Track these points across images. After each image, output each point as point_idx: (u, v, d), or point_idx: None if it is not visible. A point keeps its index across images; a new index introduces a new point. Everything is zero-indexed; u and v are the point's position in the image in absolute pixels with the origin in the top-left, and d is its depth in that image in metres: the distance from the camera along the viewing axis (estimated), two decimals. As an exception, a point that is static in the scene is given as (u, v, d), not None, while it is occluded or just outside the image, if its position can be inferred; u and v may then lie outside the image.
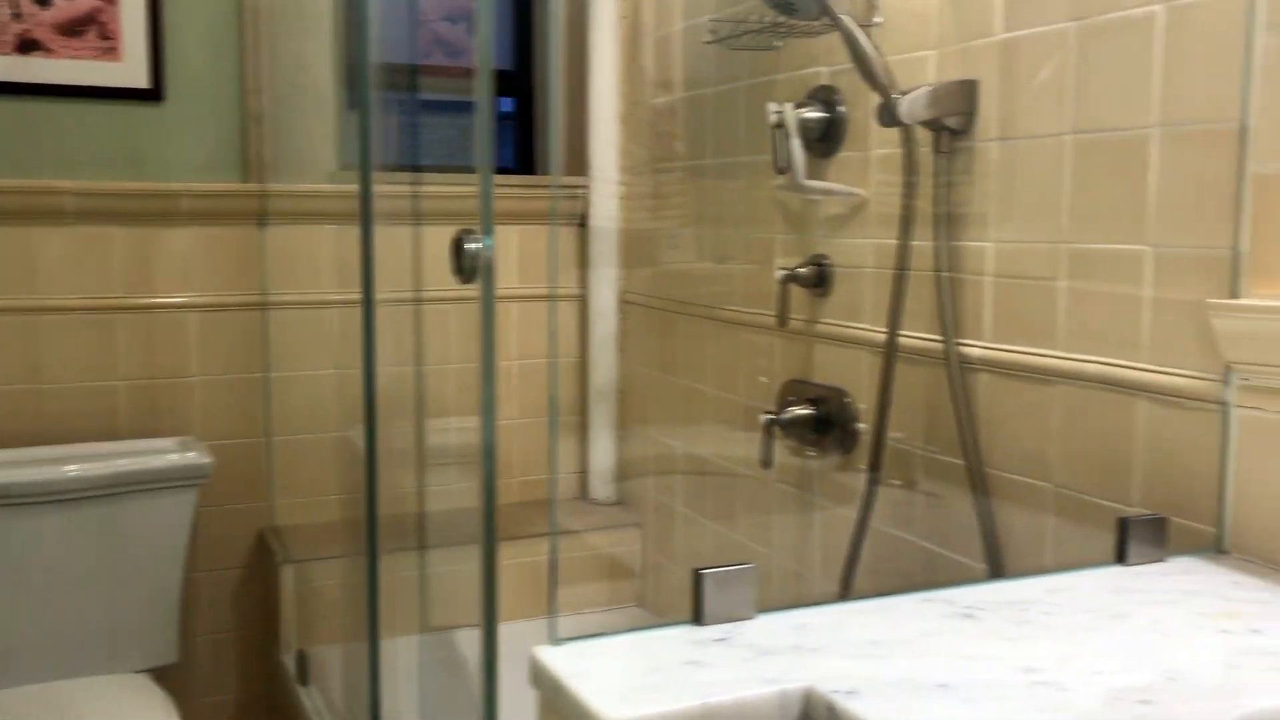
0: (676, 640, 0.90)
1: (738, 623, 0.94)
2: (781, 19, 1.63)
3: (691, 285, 2.08)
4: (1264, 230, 1.09)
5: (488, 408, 1.15)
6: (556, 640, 0.89)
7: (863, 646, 0.89)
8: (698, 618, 0.93)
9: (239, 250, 2.15)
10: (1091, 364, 1.27)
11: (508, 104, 2.50)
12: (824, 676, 0.83)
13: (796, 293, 1.75)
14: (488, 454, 1.14)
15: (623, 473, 2.33)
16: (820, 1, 1.51)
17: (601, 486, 2.34)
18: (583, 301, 2.35)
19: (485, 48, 1.17)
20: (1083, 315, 1.29)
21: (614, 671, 0.85)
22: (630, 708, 0.78)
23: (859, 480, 1.61)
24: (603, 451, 2.33)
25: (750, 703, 0.81)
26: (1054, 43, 1.31)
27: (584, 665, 0.85)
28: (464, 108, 1.36)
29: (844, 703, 0.79)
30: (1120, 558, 1.11)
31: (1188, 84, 1.16)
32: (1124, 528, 1.11)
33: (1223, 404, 1.13)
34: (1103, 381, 1.26)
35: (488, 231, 1.11)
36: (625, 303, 2.29)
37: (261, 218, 2.16)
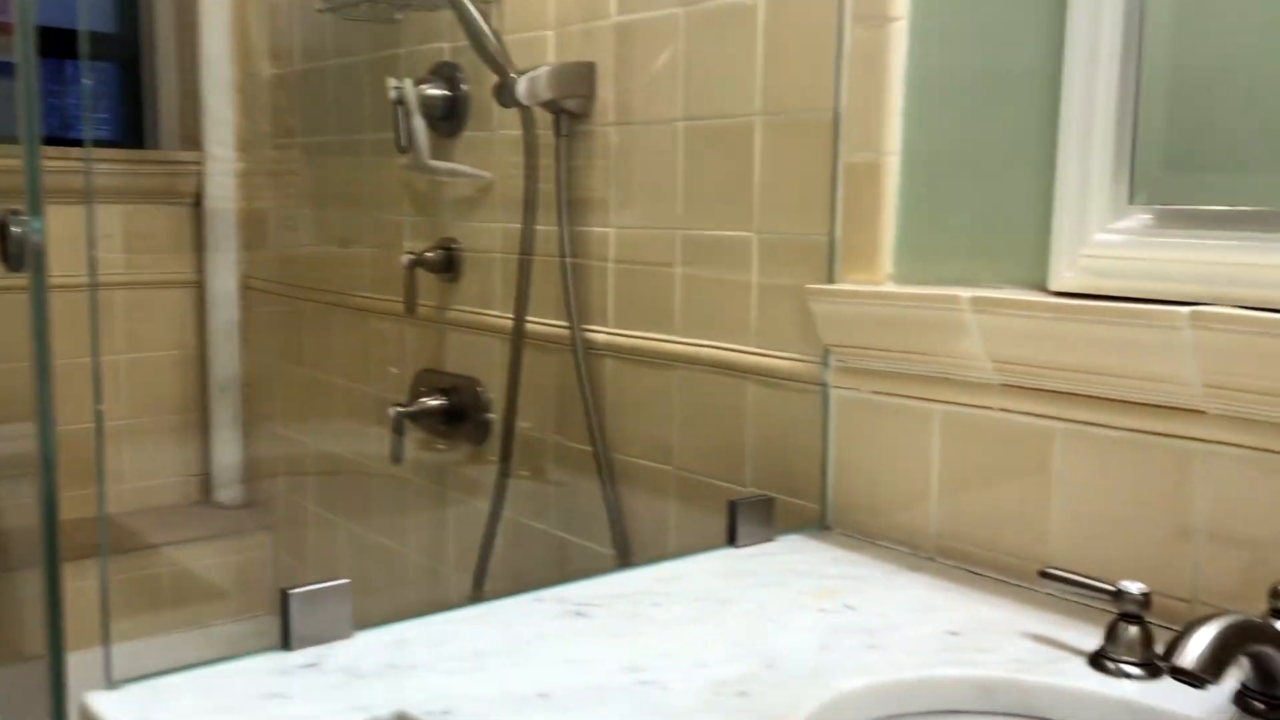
0: (259, 670, 0.81)
1: (331, 644, 0.86)
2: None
3: (317, 270, 1.96)
4: (854, 217, 1.13)
5: (44, 411, 1.00)
6: (112, 683, 0.78)
7: (464, 659, 0.84)
8: (285, 643, 0.85)
9: None
10: (706, 348, 1.29)
11: (110, 70, 2.26)
12: (418, 698, 0.77)
13: (425, 278, 1.68)
14: (46, 465, 1.00)
15: (250, 473, 2.16)
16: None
17: (226, 489, 2.17)
18: (199, 288, 2.16)
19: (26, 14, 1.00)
20: (698, 301, 1.30)
21: (179, 711, 0.75)
22: (190, 759, 0.69)
23: (491, 472, 1.56)
24: (226, 451, 2.16)
25: (333, 736, 0.73)
26: (666, 28, 1.31)
27: (143, 712, 0.75)
28: (6, 69, 1.19)
29: (438, 725, 0.73)
30: (731, 540, 1.12)
31: (787, 74, 1.19)
32: (734, 510, 1.12)
33: (823, 385, 1.17)
34: (716, 365, 1.27)
35: (36, 212, 0.96)
36: (247, 289, 2.13)
37: None
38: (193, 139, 2.13)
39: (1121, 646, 0.83)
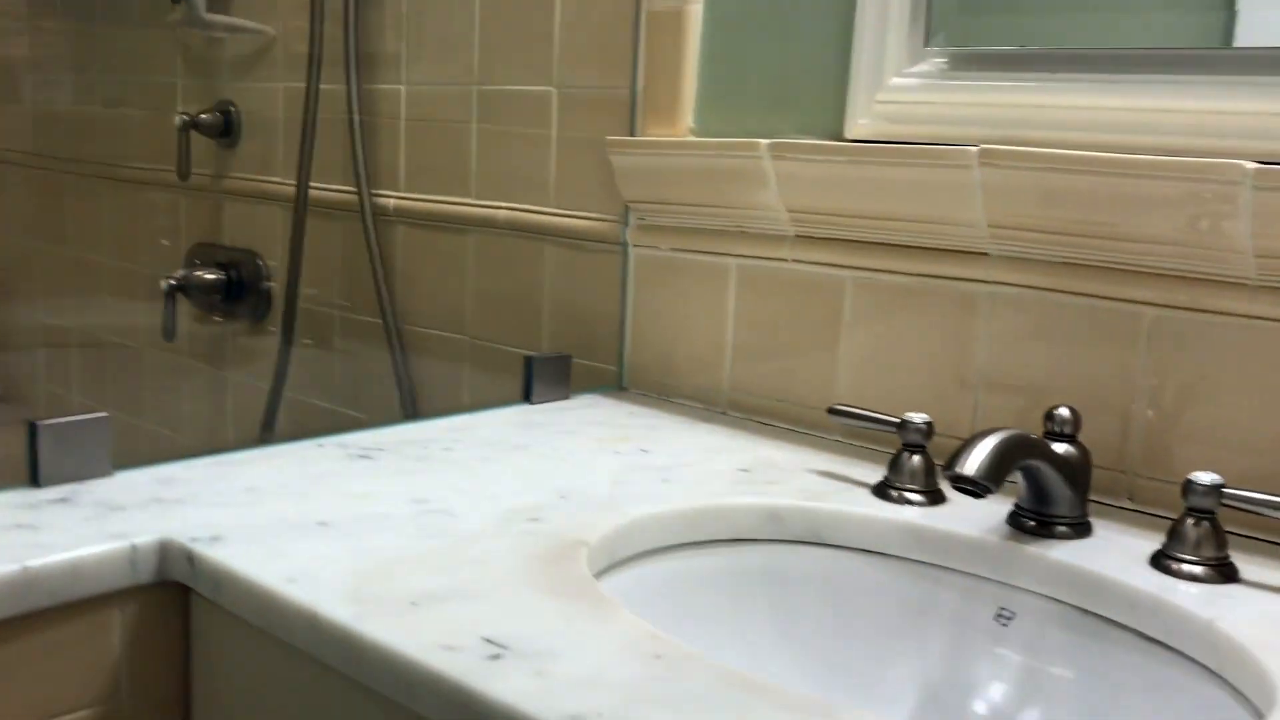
0: (2, 505, 0.74)
1: (87, 481, 0.79)
2: None
3: (78, 137, 1.80)
4: (659, 69, 1.11)
5: None
6: None
7: (238, 495, 0.78)
8: (34, 479, 0.77)
9: None
10: (503, 210, 1.25)
11: None
12: (185, 526, 0.71)
13: (200, 143, 1.57)
14: None
15: (3, 362, 1.99)
16: None
17: (-24, 378, 1.99)
18: (-59, 158, 1.95)
19: None
20: (494, 160, 1.26)
21: (-97, 545, 0.67)
22: (-85, 583, 0.62)
23: (273, 345, 1.48)
24: (-24, 337, 1.98)
25: (88, 562, 0.67)
26: None
27: None
28: None
29: (205, 550, 0.68)
30: (527, 397, 1.09)
31: (590, -81, 1.15)
32: (529, 367, 1.09)
33: (622, 244, 1.15)
34: (514, 228, 1.24)
35: None
36: (-1, 161, 1.94)
37: None
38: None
39: (905, 475, 0.85)
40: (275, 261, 1.50)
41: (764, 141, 0.99)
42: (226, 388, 1.59)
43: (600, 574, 0.72)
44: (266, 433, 1.45)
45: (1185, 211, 0.78)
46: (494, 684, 0.53)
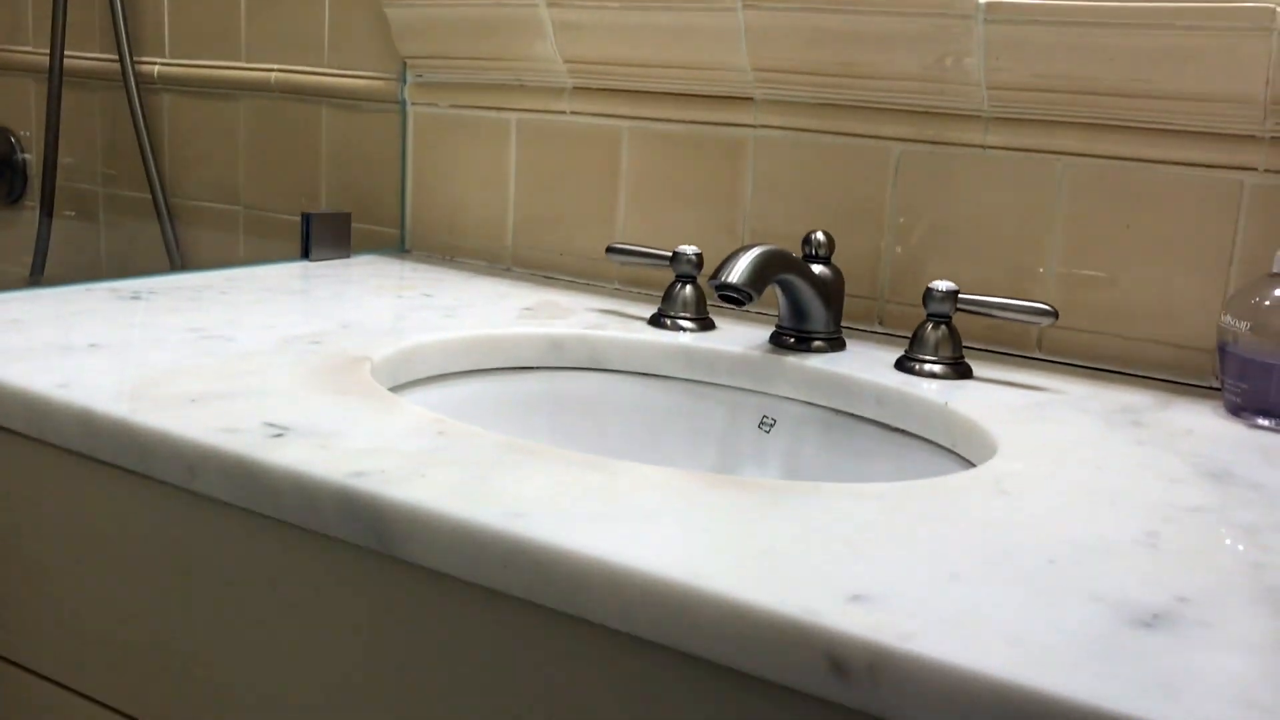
0: None
1: None
2: None
3: None
4: (433, -75, 1.10)
5: None
6: None
7: (3, 326, 0.75)
8: None
9: None
10: (275, 72, 1.22)
11: None
12: (-59, 349, 0.69)
13: (-63, 10, 1.45)
14: None
15: None
16: None
17: None
18: None
19: None
20: (265, 20, 1.22)
21: None
22: None
23: (31, 222, 1.40)
24: None
25: None
26: None
27: None
28: None
29: (-35, 369, 0.66)
30: (305, 254, 1.08)
31: None
32: (307, 223, 1.08)
33: (400, 103, 1.14)
34: (287, 90, 1.21)
35: None
36: None
37: None
38: None
39: (678, 304, 0.90)
40: (30, 133, 1.42)
41: (539, -8, 1.00)
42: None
43: (397, 388, 0.74)
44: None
45: (928, 48, 0.84)
46: (276, 453, 0.55)
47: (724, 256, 0.77)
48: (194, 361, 0.70)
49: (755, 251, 0.77)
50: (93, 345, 0.72)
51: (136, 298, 0.87)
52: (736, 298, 0.76)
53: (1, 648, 0.69)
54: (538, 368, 0.86)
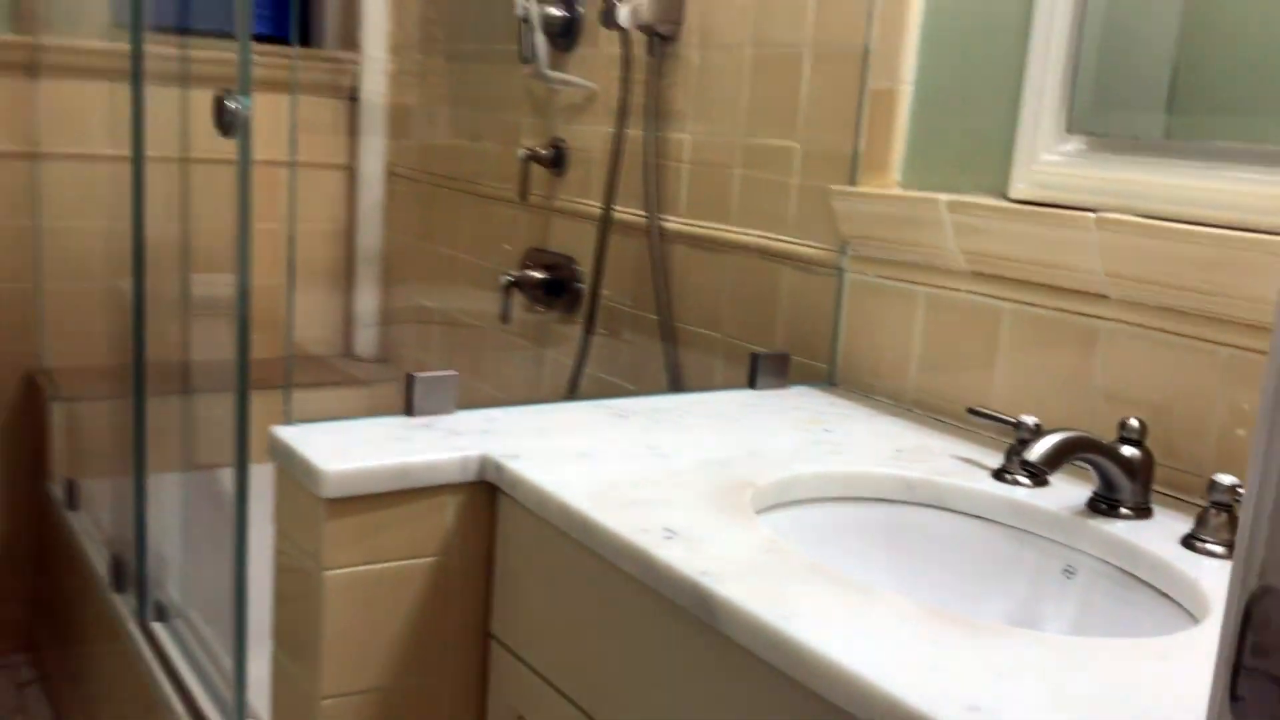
0: (389, 425, 1.15)
1: (441, 415, 1.19)
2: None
3: (449, 160, 2.29)
4: (876, 134, 1.40)
5: (242, 252, 1.35)
6: (290, 420, 1.12)
7: (533, 432, 1.16)
8: (409, 411, 1.18)
9: (8, 101, 2.21)
10: (753, 237, 1.58)
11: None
12: (498, 449, 1.10)
13: (537, 171, 1.99)
14: (241, 297, 1.35)
15: (384, 331, 2.54)
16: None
17: (364, 344, 2.55)
18: (351, 172, 2.52)
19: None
20: (750, 197, 1.59)
21: (335, 442, 1.09)
22: (342, 464, 1.03)
23: (577, 332, 1.88)
24: (366, 312, 2.53)
25: (438, 463, 1.07)
26: (743, -31, 1.58)
27: (309, 439, 1.09)
28: None
29: (508, 463, 1.06)
30: (751, 384, 1.42)
31: (831, 14, 1.45)
32: (754, 361, 1.42)
33: (839, 270, 1.45)
34: (760, 251, 1.56)
35: (245, 92, 1.30)
36: (391, 174, 2.48)
37: (32, 70, 2.22)
38: (352, 41, 2.48)
39: (1016, 464, 1.11)
40: (585, 267, 1.91)
41: (943, 198, 1.26)
42: (544, 362, 2.02)
43: (761, 510, 1.04)
44: (570, 396, 1.86)
45: (1265, 276, 1.00)
46: (661, 551, 0.87)
47: (1064, 427, 0.98)
48: (640, 475, 1.05)
49: (1059, 437, 0.98)
50: (582, 454, 1.10)
51: (622, 416, 1.25)
52: (1035, 472, 0.98)
53: (519, 649, 1.09)
54: (891, 500, 1.12)
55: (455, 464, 1.08)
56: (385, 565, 1.07)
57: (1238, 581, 0.44)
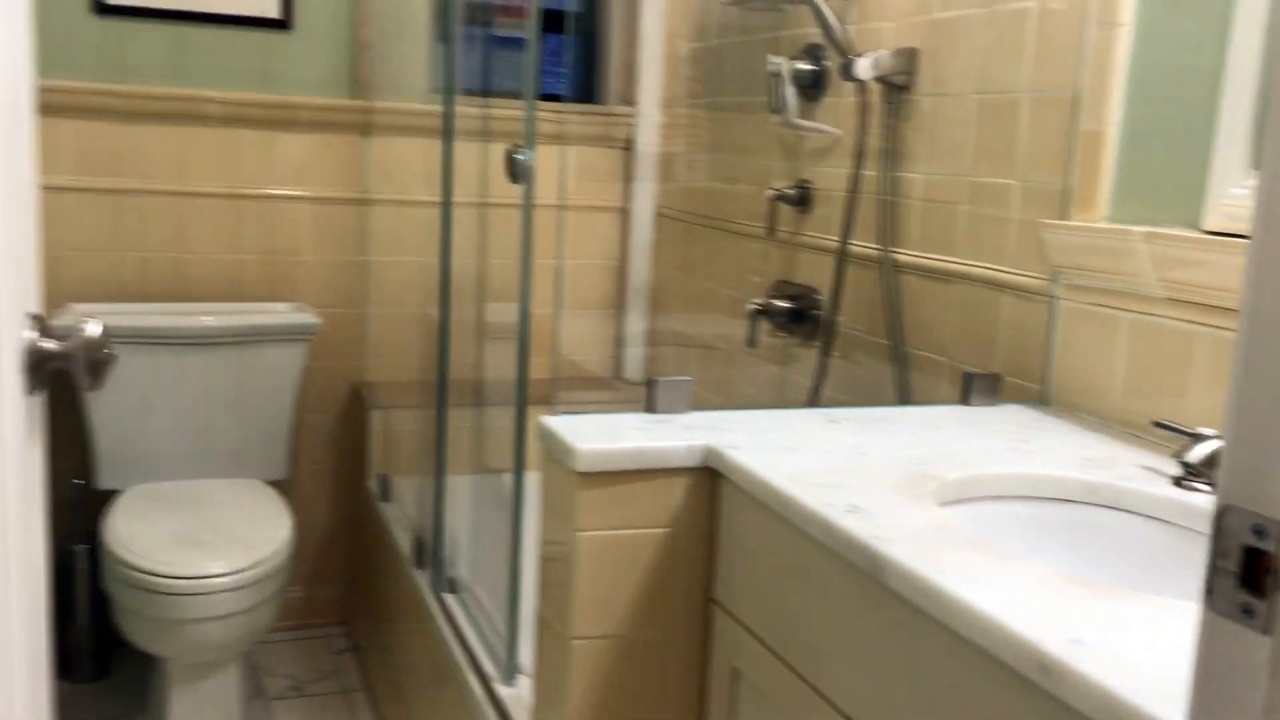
0: (634, 420, 1.38)
1: (676, 414, 1.41)
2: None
3: (707, 201, 2.53)
4: (1085, 171, 1.51)
5: (525, 285, 1.62)
6: (555, 412, 1.37)
7: (754, 430, 1.36)
8: (650, 408, 1.41)
9: (346, 155, 2.65)
10: (977, 268, 1.71)
11: (572, 40, 2.94)
12: (721, 441, 1.30)
13: (784, 209, 2.20)
14: (523, 318, 1.62)
15: (649, 354, 2.80)
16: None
17: (632, 366, 2.82)
18: (624, 213, 2.81)
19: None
20: (973, 231, 1.72)
21: (588, 430, 1.33)
22: (591, 445, 1.27)
23: (815, 356, 2.06)
24: (636, 336, 2.81)
25: (669, 450, 1.28)
26: (969, 23, 1.72)
27: (570, 426, 1.33)
28: (516, 43, 1.78)
29: (729, 452, 1.26)
30: (964, 400, 1.56)
31: (1046, 62, 1.58)
32: (967, 379, 1.55)
33: (1051, 297, 1.56)
34: (983, 281, 1.70)
35: (530, 145, 1.58)
36: (659, 215, 2.75)
37: (365, 129, 2.64)
38: (628, 97, 2.77)
39: (1193, 471, 1.20)
40: (825, 296, 2.09)
41: (1141, 229, 1.37)
42: (784, 381, 2.21)
43: (944, 503, 1.19)
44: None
45: None
46: (842, 520, 1.05)
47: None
48: (839, 465, 1.23)
49: (1218, 443, 1.08)
50: (790, 448, 1.29)
51: (834, 422, 1.43)
52: (1196, 472, 1.08)
53: (736, 612, 1.28)
54: (1071, 500, 1.24)
55: (683, 451, 1.29)
56: (626, 532, 1.29)
57: (1215, 505, 0.58)
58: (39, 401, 0.96)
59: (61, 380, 1.03)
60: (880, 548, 0.99)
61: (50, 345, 0.93)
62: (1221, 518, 0.58)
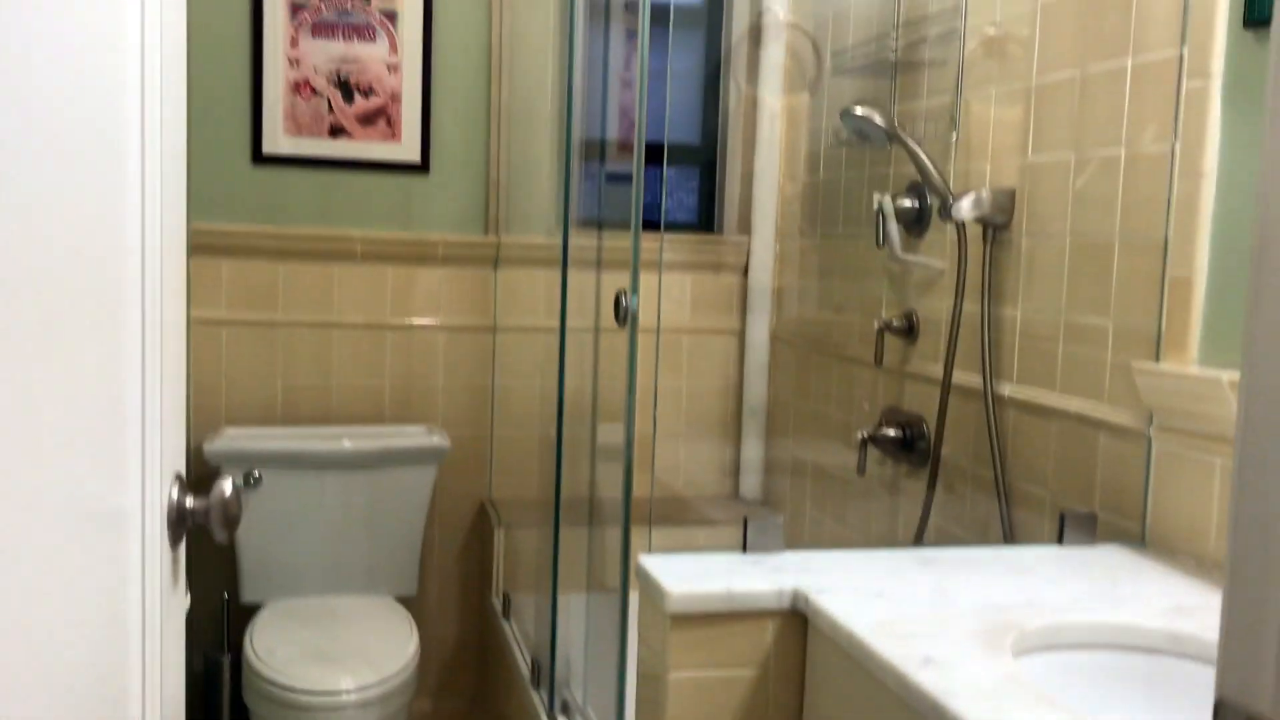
0: (727, 560, 1.44)
1: (769, 554, 1.47)
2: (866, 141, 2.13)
3: (819, 328, 2.60)
4: (1175, 316, 1.53)
5: (629, 411, 1.72)
6: (651, 552, 1.45)
7: (844, 573, 1.41)
8: (744, 548, 1.47)
9: (478, 287, 2.81)
10: (1074, 405, 1.73)
11: (693, 172, 3.07)
12: (810, 584, 1.35)
13: (891, 339, 2.25)
14: (628, 444, 1.71)
15: (766, 476, 2.86)
16: (888, 132, 2.01)
17: (749, 487, 2.88)
18: (740, 337, 2.89)
19: (640, 142, 1.71)
20: (1070, 368, 1.75)
21: (682, 570, 1.39)
22: (683, 586, 1.33)
23: (922, 486, 2.09)
24: (751, 458, 2.87)
25: (758, 592, 1.34)
26: (1064, 168, 1.77)
27: (665, 566, 1.41)
28: (627, 177, 1.87)
29: (814, 596, 1.31)
30: (1059, 540, 1.57)
31: (1136, 208, 1.61)
32: (1062, 519, 1.57)
33: (1146, 437, 1.57)
34: (1079, 418, 1.71)
35: (634, 290, 1.68)
36: (773, 339, 2.83)
37: (495, 262, 2.81)
38: (745, 226, 2.88)
39: (1283, 626, 1.20)
40: (930, 426, 2.12)
41: (1227, 375, 1.38)
42: (894, 512, 2.23)
43: (1022, 652, 1.21)
44: (916, 543, 2.06)
45: None
46: (918, 674, 1.08)
47: None
48: (922, 612, 1.26)
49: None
50: (877, 593, 1.33)
51: (925, 564, 1.46)
52: None
53: (814, 745, 1.32)
54: (1155, 650, 1.24)
55: (773, 594, 1.35)
56: (715, 673, 1.35)
57: (1214, 698, 0.62)
58: (181, 553, 1.09)
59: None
60: (947, 702, 1.02)
61: (191, 503, 1.06)
62: (1217, 712, 0.62)
